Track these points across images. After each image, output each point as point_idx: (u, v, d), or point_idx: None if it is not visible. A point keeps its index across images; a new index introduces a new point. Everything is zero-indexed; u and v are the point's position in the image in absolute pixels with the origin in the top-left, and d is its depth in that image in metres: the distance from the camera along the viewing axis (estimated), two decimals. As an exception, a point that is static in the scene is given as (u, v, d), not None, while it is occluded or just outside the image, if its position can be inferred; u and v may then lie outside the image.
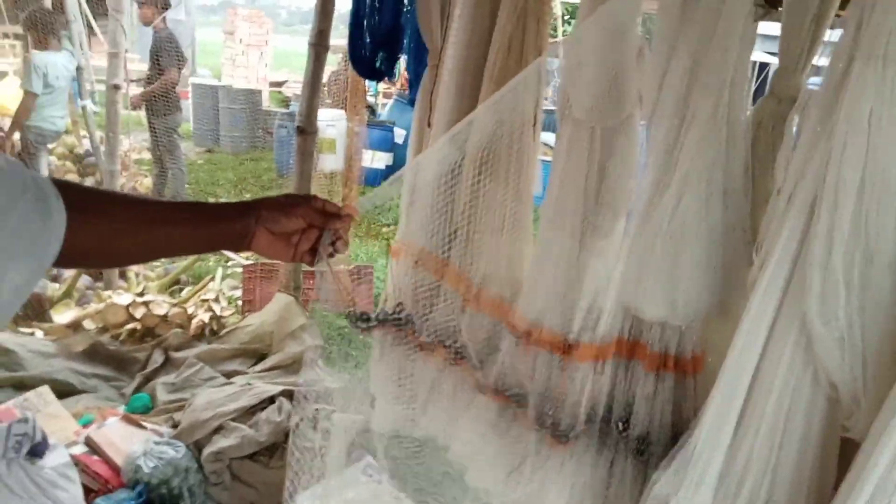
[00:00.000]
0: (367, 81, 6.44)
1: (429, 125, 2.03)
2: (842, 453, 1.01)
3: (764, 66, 9.63)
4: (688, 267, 1.26)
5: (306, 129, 3.06)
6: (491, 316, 1.80)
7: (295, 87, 10.89)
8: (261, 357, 2.96)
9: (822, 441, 1.01)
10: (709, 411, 1.06)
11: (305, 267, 3.58)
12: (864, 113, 0.89)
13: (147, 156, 6.81)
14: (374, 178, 6.93)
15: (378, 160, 6.96)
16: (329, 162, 6.59)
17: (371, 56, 2.40)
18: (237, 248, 1.11)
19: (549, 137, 2.69)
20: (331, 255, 1.13)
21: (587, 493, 1.51)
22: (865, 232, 0.89)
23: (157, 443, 2.29)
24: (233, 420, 2.34)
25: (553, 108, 1.66)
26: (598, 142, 1.52)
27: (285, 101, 10.94)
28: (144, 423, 2.52)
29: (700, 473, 1.05)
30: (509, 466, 1.66)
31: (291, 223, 1.05)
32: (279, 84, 12.53)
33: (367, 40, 2.39)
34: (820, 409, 1.00)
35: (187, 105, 9.13)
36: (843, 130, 0.91)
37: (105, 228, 0.87)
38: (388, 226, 5.64)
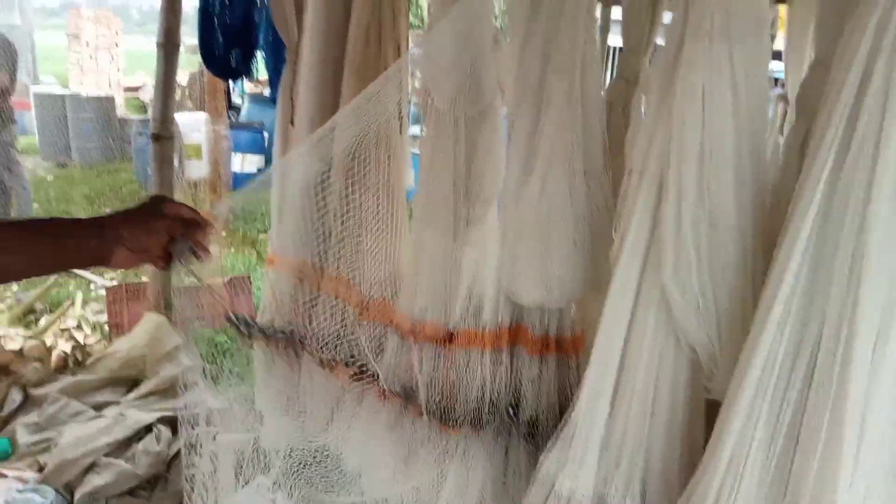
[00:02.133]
0: (231, 81, 6.17)
1: (292, 123, 1.96)
2: (708, 414, 1.07)
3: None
4: (557, 249, 1.28)
5: (162, 135, 2.88)
6: (380, 321, 1.78)
7: (152, 91, 10.26)
8: (134, 384, 2.76)
9: (690, 404, 1.07)
10: (585, 387, 1.09)
11: (176, 282, 3.38)
12: (697, 88, 0.94)
13: (-13, 176, 6.17)
14: (245, 183, 6.65)
15: (249, 164, 6.69)
16: (196, 169, 6.27)
17: (224, 54, 2.29)
18: (89, 266, 1.05)
19: (417, 131, 2.69)
20: (197, 259, 1.08)
21: (487, 479, 1.52)
22: (708, 199, 0.95)
23: (20, 490, 2.08)
24: (106, 455, 2.16)
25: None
26: (461, 132, 1.52)
27: (143, 107, 10.29)
28: (4, 471, 2.28)
29: (582, 449, 1.08)
30: (400, 459, 1.64)
31: (153, 240, 1.01)
32: (135, 89, 11.76)
33: (219, 37, 2.27)
34: (684, 374, 1.05)
35: (30, 117, 8.38)
36: (680, 106, 0.95)
37: None
38: (265, 232, 5.45)
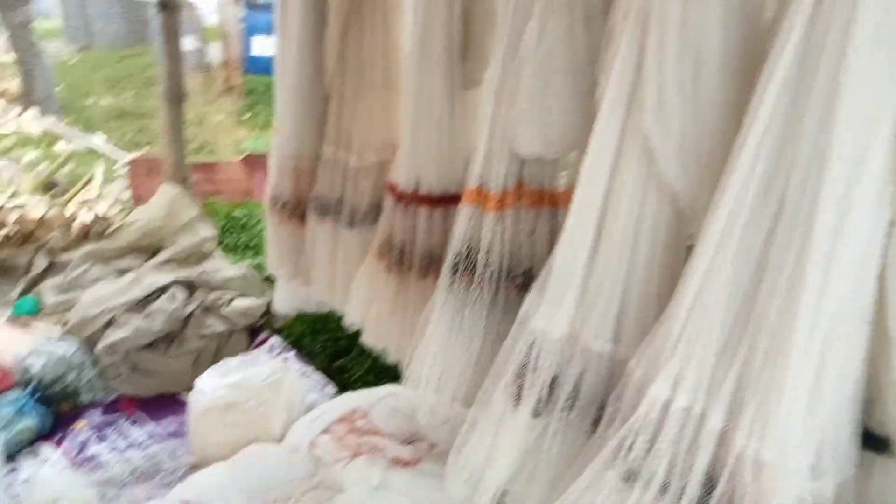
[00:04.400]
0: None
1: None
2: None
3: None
4: (556, 97, 1.23)
5: (168, 3, 2.79)
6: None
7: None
8: (154, 252, 2.86)
9: (669, 252, 1.07)
10: (566, 231, 1.11)
11: (191, 158, 3.40)
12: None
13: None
14: (267, 66, 6.54)
15: (269, 46, 6.55)
16: (218, 52, 6.20)
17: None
18: None
19: None
20: None
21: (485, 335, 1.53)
22: (694, 36, 0.91)
23: (46, 341, 2.22)
24: (124, 312, 2.28)
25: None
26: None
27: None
28: (33, 325, 2.42)
29: (559, 292, 1.11)
30: (401, 321, 1.70)
31: None
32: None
33: None
34: (666, 220, 1.05)
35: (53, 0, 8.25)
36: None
37: None
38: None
